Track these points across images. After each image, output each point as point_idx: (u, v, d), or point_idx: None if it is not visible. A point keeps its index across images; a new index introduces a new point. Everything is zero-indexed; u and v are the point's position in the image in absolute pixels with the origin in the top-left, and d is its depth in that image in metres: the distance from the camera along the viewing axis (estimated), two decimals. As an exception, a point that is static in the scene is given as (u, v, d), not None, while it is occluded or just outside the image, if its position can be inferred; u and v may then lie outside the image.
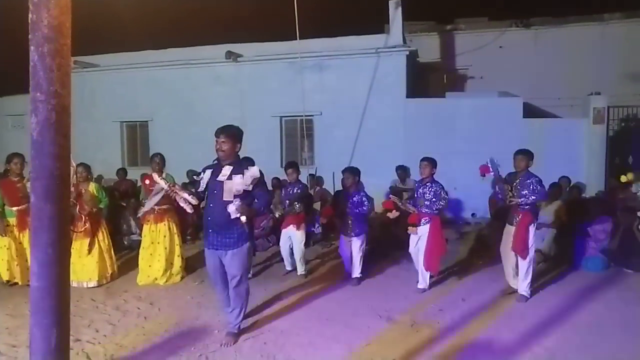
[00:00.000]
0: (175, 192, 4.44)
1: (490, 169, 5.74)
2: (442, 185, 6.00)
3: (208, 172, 4.40)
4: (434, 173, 6.03)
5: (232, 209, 4.16)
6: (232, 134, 4.29)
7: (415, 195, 6.16)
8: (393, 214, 6.27)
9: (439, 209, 5.93)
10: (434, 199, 5.91)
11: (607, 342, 4.40)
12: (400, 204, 6.28)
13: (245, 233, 4.34)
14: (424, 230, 5.94)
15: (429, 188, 5.96)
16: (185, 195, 4.37)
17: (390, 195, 6.60)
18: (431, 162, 6.02)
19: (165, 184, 4.56)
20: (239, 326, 4.56)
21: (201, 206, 4.67)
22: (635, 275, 6.46)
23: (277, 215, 7.68)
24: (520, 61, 13.10)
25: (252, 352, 4.26)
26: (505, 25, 13.86)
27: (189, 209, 4.50)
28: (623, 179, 7.14)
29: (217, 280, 4.53)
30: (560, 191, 7.73)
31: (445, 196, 6.00)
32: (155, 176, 4.80)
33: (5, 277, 6.25)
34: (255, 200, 4.35)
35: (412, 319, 4.98)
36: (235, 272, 4.36)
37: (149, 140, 12.59)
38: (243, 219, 4.22)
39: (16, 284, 6.25)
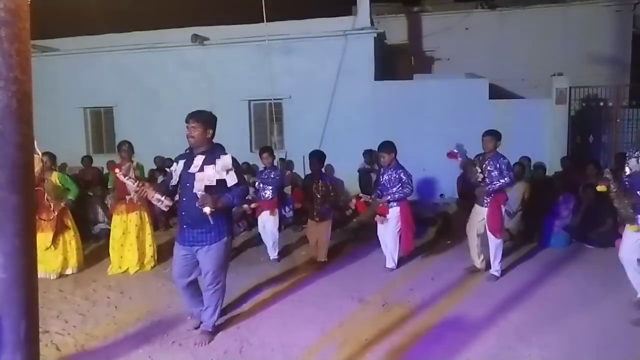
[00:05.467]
0: (146, 193, 4.08)
1: (458, 155, 5.85)
2: (406, 170, 5.92)
3: (181, 163, 4.10)
4: (394, 157, 5.94)
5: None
6: (203, 119, 4.00)
7: (381, 181, 6.13)
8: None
9: (402, 196, 5.88)
10: (398, 184, 5.88)
11: (568, 315, 4.59)
12: (370, 200, 6.23)
13: (223, 226, 4.05)
14: (393, 213, 5.96)
15: (393, 174, 5.92)
16: (158, 196, 4.02)
17: (360, 195, 6.51)
18: (387, 150, 5.90)
19: (134, 183, 4.21)
20: (214, 324, 4.31)
21: (175, 199, 4.32)
22: (595, 251, 6.74)
23: (251, 207, 7.15)
24: (486, 43, 13.24)
25: (225, 336, 4.28)
26: (471, 6, 13.97)
27: (164, 208, 4.18)
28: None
29: (183, 278, 4.21)
30: (523, 170, 7.92)
31: (409, 182, 5.87)
32: (122, 177, 4.39)
33: None
34: (227, 195, 3.99)
35: (383, 299, 5.08)
36: (209, 268, 4.08)
37: (114, 127, 12.31)
38: (207, 210, 3.82)
39: None
